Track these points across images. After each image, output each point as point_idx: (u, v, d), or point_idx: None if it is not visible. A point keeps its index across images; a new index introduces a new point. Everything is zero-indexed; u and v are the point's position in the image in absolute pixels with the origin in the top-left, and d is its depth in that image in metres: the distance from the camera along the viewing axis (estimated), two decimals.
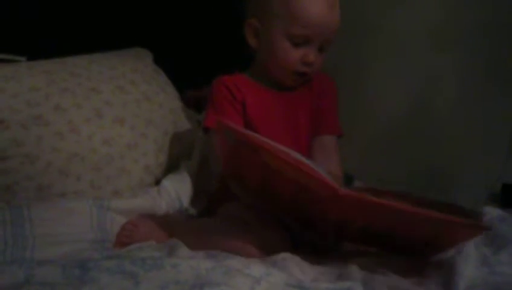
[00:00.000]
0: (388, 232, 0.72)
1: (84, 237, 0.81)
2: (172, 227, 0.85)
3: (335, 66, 1.72)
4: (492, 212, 0.92)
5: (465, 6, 1.55)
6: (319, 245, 0.82)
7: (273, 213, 0.81)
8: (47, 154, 0.91)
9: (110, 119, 1.00)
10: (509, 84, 1.54)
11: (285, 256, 0.72)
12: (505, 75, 1.54)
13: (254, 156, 0.71)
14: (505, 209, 1.55)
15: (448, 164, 1.67)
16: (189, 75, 1.28)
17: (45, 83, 0.98)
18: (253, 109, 0.97)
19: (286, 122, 0.98)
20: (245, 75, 1.01)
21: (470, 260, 0.71)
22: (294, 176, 0.69)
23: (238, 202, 0.87)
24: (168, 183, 0.97)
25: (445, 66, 1.61)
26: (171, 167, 1.05)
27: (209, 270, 0.63)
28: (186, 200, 0.96)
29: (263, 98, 0.98)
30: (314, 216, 0.75)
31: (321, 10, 0.91)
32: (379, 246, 0.79)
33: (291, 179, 0.69)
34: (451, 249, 0.73)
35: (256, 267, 0.65)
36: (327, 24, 0.92)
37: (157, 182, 1.01)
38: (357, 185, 0.78)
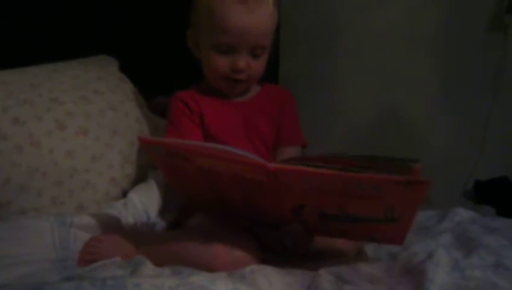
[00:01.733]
0: (342, 212, 0.70)
1: (45, 257, 0.77)
2: (138, 242, 0.83)
3: (306, 69, 1.73)
4: (463, 214, 0.92)
5: (435, 6, 1.56)
6: (289, 246, 0.80)
7: (238, 219, 0.80)
8: (6, 169, 0.87)
9: (72, 131, 0.96)
10: (482, 82, 1.56)
11: (254, 268, 0.71)
12: (477, 74, 1.56)
13: (187, 163, 0.71)
14: (478, 205, 1.57)
15: (421, 161, 1.68)
16: (157, 82, 1.25)
17: (3, 95, 0.94)
18: (211, 120, 0.96)
19: (246, 130, 0.97)
20: (200, 87, 1.00)
21: (440, 265, 0.70)
22: (227, 168, 0.69)
23: (205, 213, 0.85)
24: (134, 195, 0.94)
25: (416, 65, 1.62)
26: (139, 178, 1.02)
27: (173, 289, 0.60)
28: (154, 213, 0.93)
29: (220, 108, 0.97)
30: (272, 211, 0.74)
31: (239, 17, 0.88)
32: (345, 234, 0.77)
33: (227, 174, 0.70)
34: (413, 221, 0.69)
35: (223, 283, 0.63)
36: (248, 30, 0.89)
37: (124, 194, 0.98)
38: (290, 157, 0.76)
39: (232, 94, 0.99)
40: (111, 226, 0.88)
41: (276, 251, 0.80)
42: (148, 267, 0.71)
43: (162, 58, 1.38)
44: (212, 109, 0.96)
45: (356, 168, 0.65)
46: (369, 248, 0.85)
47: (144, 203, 0.93)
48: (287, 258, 0.79)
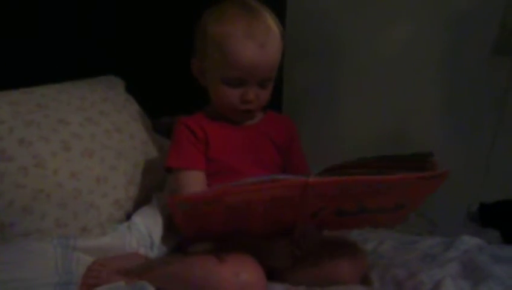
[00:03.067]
0: (360, 207, 0.72)
1: (48, 281, 0.76)
2: (141, 266, 0.82)
3: (310, 90, 1.74)
4: (470, 242, 0.91)
5: (439, 27, 1.57)
6: (304, 247, 0.81)
7: (242, 242, 0.80)
8: (10, 191, 0.87)
9: (78, 152, 0.96)
10: (487, 105, 1.56)
11: None
12: (482, 96, 1.56)
13: (216, 206, 0.71)
14: (483, 228, 1.55)
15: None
16: (162, 102, 1.25)
17: (10, 115, 0.94)
18: (216, 145, 0.95)
19: (251, 156, 0.96)
20: (205, 112, 1.00)
21: None
22: (260, 196, 0.69)
23: (210, 239, 0.84)
24: (138, 218, 0.93)
25: (421, 87, 1.62)
26: (142, 200, 1.02)
27: None
28: (157, 237, 0.92)
29: (226, 134, 0.97)
30: (291, 219, 0.75)
31: (251, 52, 0.88)
32: (353, 225, 0.82)
33: (258, 201, 0.70)
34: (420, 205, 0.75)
35: None
36: (259, 64, 0.89)
37: (128, 216, 0.97)
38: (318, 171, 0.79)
39: (240, 121, 0.99)
40: (114, 249, 0.87)
41: (292, 255, 0.81)
42: None
43: (167, 78, 1.39)
44: (217, 134, 0.96)
45: (383, 169, 0.68)
46: (375, 275, 0.84)
47: (148, 227, 0.92)
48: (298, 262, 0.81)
